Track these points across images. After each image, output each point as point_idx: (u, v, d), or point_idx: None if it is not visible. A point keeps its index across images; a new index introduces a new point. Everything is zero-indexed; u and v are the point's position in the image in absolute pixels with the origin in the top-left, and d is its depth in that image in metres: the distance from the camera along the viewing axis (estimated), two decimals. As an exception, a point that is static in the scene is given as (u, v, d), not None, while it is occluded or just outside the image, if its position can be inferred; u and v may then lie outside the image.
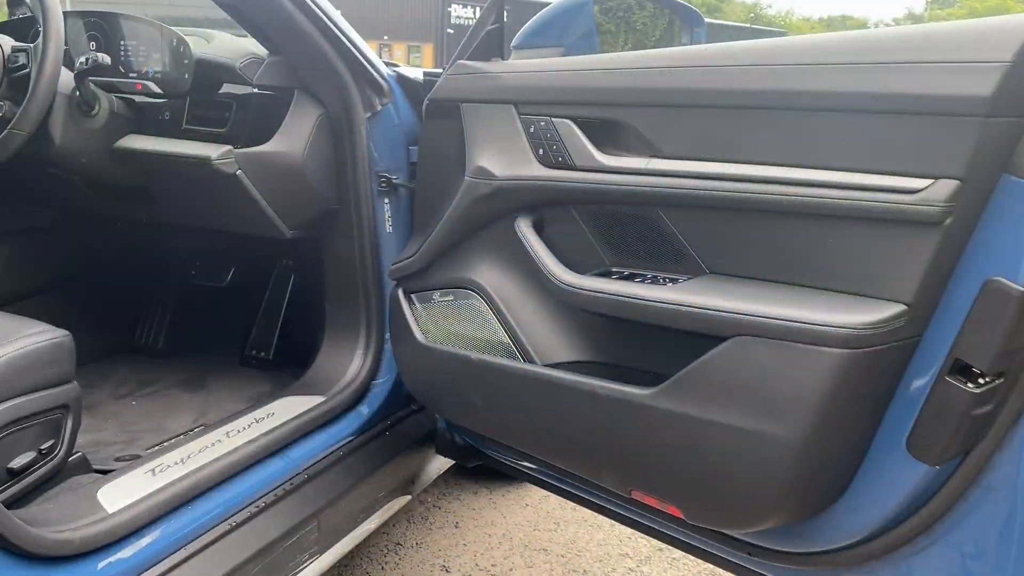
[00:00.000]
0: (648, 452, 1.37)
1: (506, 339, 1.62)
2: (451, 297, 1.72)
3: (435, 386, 1.78)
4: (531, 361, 1.58)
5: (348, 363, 2.03)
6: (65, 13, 1.87)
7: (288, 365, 2.38)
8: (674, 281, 1.36)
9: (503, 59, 1.67)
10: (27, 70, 1.59)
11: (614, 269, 1.48)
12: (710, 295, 1.25)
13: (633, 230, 1.44)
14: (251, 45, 1.88)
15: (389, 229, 1.99)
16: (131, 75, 1.85)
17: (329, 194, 1.95)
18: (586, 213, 1.50)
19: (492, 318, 1.64)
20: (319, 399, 1.92)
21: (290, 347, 2.40)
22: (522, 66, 1.57)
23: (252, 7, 1.72)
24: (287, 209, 1.90)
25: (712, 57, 1.29)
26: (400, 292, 1.81)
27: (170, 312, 2.48)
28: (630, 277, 1.43)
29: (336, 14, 1.80)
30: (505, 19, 1.65)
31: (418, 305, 1.78)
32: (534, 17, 1.74)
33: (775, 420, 1.20)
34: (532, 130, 1.51)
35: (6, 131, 1.55)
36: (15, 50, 1.62)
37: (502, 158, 1.56)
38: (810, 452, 1.20)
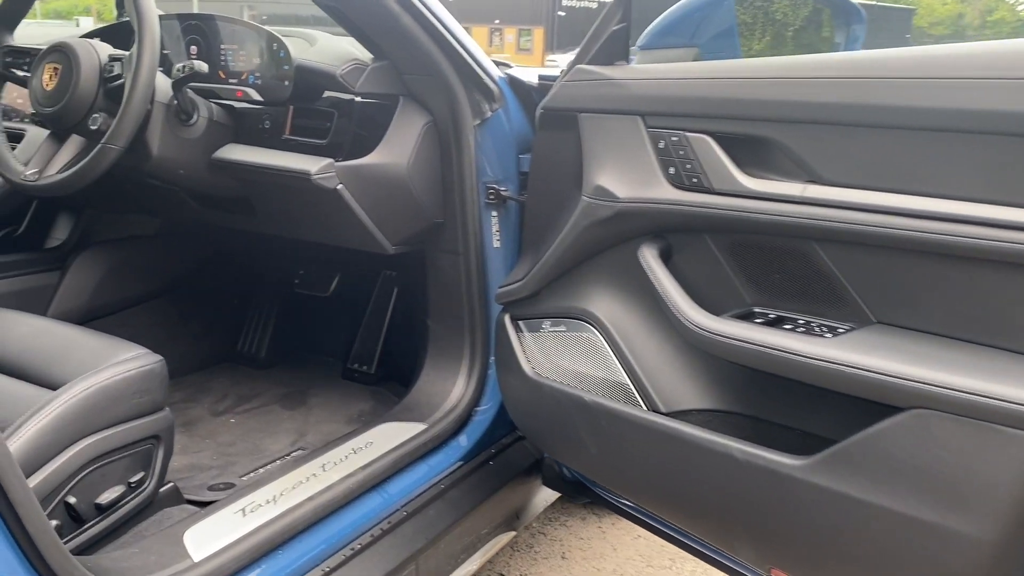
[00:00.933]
0: (795, 531, 1.17)
1: (625, 380, 1.44)
2: (563, 328, 1.55)
3: (544, 424, 1.62)
4: (653, 406, 1.40)
5: (450, 387, 1.90)
6: (162, 16, 1.79)
7: (390, 380, 2.28)
8: (832, 331, 1.15)
9: (627, 63, 1.48)
10: (122, 80, 1.51)
11: (756, 310, 1.27)
12: (883, 355, 1.03)
13: (782, 266, 1.23)
14: (355, 48, 1.75)
15: (497, 244, 1.84)
16: (231, 81, 1.75)
17: (434, 207, 1.81)
18: (724, 243, 1.30)
19: (609, 354, 1.47)
20: (419, 427, 1.79)
21: (393, 361, 2.29)
22: (651, 71, 1.38)
23: (355, 9, 1.59)
24: (390, 224, 1.77)
25: (897, 66, 1.06)
26: (507, 318, 1.66)
27: (273, 321, 2.42)
28: (777, 321, 1.22)
29: (445, 13, 1.65)
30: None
31: (526, 334, 1.62)
32: (664, 13, 1.54)
33: (962, 514, 0.98)
34: (662, 146, 1.32)
35: (100, 145, 1.48)
36: (111, 59, 1.55)
37: (626, 177, 1.37)
38: (1005, 555, 0.98)
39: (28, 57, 1.67)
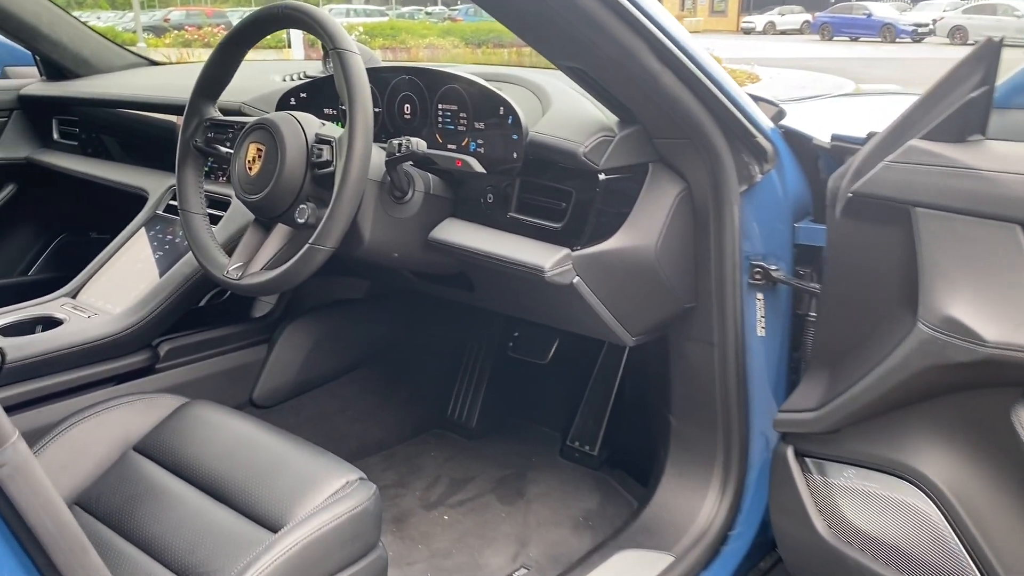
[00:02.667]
0: None
1: (974, 573, 1.06)
2: (873, 484, 1.18)
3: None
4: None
5: (698, 503, 1.58)
6: (374, 70, 1.55)
7: (615, 466, 1.99)
8: None
9: (984, 137, 1.07)
10: (331, 168, 1.29)
11: None
12: None
13: None
14: (594, 108, 1.43)
15: (761, 333, 1.48)
16: (449, 147, 1.50)
17: (685, 291, 1.49)
18: None
19: (948, 535, 1.09)
20: (666, 559, 1.49)
21: (618, 444, 2.00)
22: (1038, 160, 0.97)
23: (606, 73, 1.27)
24: (631, 314, 1.47)
25: None
26: (790, 452, 1.31)
27: (484, 387, 2.19)
28: None
29: (710, 63, 1.30)
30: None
31: (816, 477, 1.27)
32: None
33: None
34: (1060, 273, 0.92)
35: (307, 246, 1.27)
36: (319, 140, 1.33)
37: (996, 309, 0.98)
38: None
39: (231, 131, 1.50)
